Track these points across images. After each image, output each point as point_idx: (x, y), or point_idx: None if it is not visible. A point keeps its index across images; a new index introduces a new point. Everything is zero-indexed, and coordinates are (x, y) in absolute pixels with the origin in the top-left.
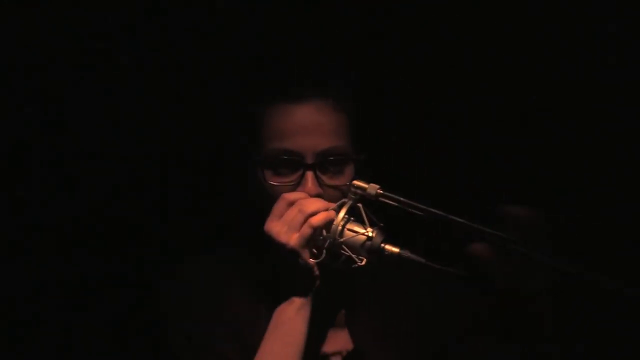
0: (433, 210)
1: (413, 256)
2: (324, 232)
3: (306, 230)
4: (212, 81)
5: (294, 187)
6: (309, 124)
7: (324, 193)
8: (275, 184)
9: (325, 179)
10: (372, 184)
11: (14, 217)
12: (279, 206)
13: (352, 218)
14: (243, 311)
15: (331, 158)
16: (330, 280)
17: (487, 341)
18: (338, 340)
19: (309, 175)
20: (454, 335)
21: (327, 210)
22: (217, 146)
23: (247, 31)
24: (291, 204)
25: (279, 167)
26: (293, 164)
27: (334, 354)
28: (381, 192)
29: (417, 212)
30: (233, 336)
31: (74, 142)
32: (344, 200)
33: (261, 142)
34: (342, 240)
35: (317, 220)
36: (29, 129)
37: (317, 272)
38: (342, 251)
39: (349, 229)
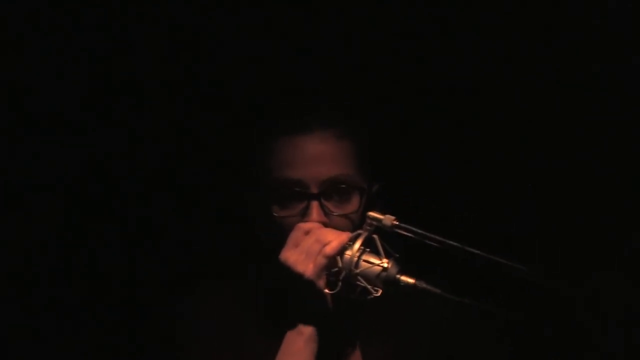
0: (449, 241)
1: (429, 287)
2: (340, 264)
3: (321, 260)
4: (218, 115)
5: (300, 218)
6: (312, 154)
7: (331, 222)
8: (281, 215)
9: (331, 208)
10: (387, 215)
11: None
12: (295, 235)
13: (367, 249)
14: (255, 341)
15: (336, 186)
16: (344, 311)
17: None
18: None
19: (314, 204)
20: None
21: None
22: (226, 180)
23: (252, 62)
24: (307, 233)
25: (284, 198)
26: (298, 195)
27: None
28: (397, 223)
29: (433, 243)
30: None
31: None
32: (359, 231)
33: (266, 174)
34: (358, 271)
35: (330, 249)
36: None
37: (330, 303)
38: (358, 282)
39: (364, 260)
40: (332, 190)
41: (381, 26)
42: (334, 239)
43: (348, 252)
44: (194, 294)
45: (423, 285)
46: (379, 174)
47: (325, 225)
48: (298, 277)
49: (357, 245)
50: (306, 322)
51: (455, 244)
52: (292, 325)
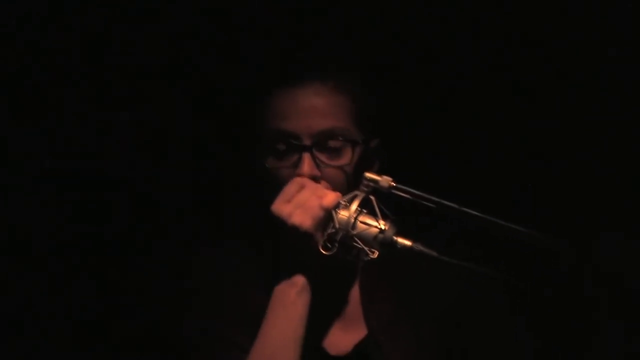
0: (446, 202)
1: (425, 249)
2: (336, 225)
3: (318, 212)
4: (215, 67)
5: (293, 170)
6: (306, 106)
7: (323, 174)
8: (274, 166)
9: (324, 160)
10: (384, 177)
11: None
12: (289, 189)
13: (364, 210)
14: (255, 301)
15: (329, 139)
16: (342, 270)
17: (504, 333)
18: (351, 328)
19: (306, 156)
20: (470, 327)
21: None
22: (220, 134)
23: (249, 16)
24: (302, 187)
25: (278, 150)
26: (291, 147)
27: (347, 340)
28: (394, 184)
29: (430, 204)
30: (247, 326)
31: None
32: (356, 192)
33: (261, 126)
34: (354, 232)
35: (328, 201)
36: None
37: (323, 257)
38: (355, 244)
39: (361, 222)
40: (324, 143)
41: (381, 26)
42: (330, 193)
43: (344, 213)
44: (204, 256)
45: (420, 247)
46: (379, 131)
47: (317, 177)
48: (293, 229)
49: (354, 206)
50: (299, 274)
51: (452, 205)
52: (285, 278)
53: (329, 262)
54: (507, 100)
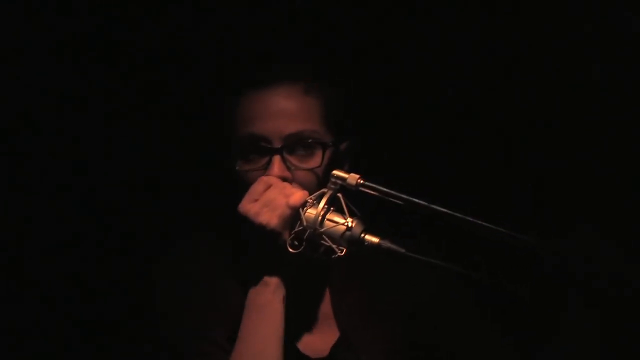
0: (414, 199)
1: (393, 246)
2: (304, 223)
3: (286, 210)
4: (187, 71)
5: (263, 172)
6: (276, 109)
7: (294, 177)
8: (244, 169)
9: (294, 162)
10: (352, 174)
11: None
12: (256, 188)
13: (332, 208)
14: (231, 296)
15: (299, 141)
16: (314, 267)
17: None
18: (326, 328)
19: (276, 159)
20: (443, 325)
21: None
22: (194, 136)
23: (217, 19)
24: (268, 187)
25: (249, 153)
26: (261, 149)
27: (324, 342)
28: (361, 181)
29: (398, 201)
30: (224, 322)
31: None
32: (323, 190)
33: (232, 130)
34: (322, 230)
35: (295, 199)
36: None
37: (292, 255)
38: (323, 241)
39: (329, 219)
40: (295, 145)
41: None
42: (297, 191)
43: (312, 211)
44: (169, 255)
45: (387, 244)
46: (350, 132)
47: (288, 180)
48: (261, 228)
49: (322, 203)
50: (271, 273)
51: (421, 202)
52: (258, 278)
53: (299, 260)
54: (507, 100)
